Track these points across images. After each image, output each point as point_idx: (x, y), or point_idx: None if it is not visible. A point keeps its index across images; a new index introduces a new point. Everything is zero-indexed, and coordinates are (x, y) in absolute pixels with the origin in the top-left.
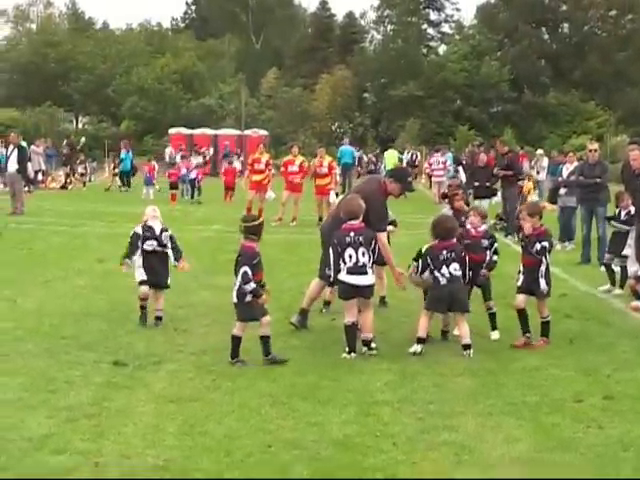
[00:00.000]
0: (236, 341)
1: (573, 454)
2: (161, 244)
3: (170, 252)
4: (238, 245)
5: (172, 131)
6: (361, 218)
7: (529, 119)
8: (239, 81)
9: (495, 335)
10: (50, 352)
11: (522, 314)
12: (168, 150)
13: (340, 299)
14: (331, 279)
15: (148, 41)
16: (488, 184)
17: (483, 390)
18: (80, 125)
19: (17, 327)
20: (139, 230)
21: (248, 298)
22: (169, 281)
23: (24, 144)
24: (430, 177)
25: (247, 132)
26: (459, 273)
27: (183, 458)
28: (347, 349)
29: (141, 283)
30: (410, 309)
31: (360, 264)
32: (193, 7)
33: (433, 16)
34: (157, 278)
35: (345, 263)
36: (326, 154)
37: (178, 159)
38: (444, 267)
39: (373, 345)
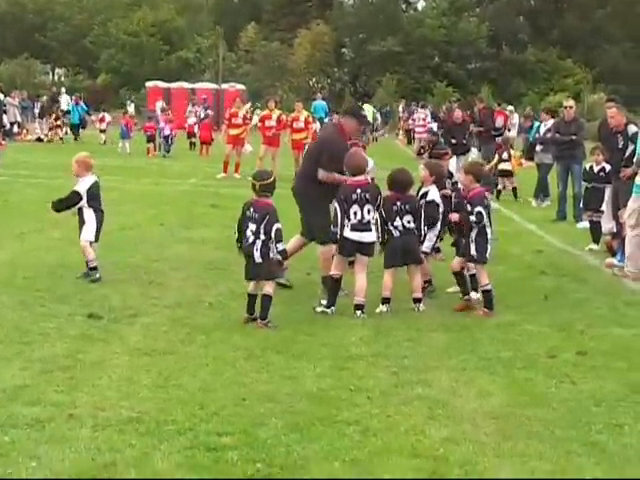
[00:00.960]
0: (267, 300)
1: (546, 409)
2: None
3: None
4: (226, 201)
5: (149, 84)
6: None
7: (507, 76)
8: (217, 35)
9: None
10: (24, 304)
11: (458, 276)
12: (159, 103)
13: (341, 255)
14: (337, 236)
15: None
16: (464, 141)
17: (457, 345)
18: (56, 77)
19: None
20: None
21: (271, 255)
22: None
23: (0, 97)
24: (410, 132)
25: (224, 86)
26: (412, 225)
27: (157, 410)
28: (326, 302)
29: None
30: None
31: (365, 221)
32: None
33: None
34: None
35: (349, 220)
36: (303, 109)
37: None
38: (397, 219)
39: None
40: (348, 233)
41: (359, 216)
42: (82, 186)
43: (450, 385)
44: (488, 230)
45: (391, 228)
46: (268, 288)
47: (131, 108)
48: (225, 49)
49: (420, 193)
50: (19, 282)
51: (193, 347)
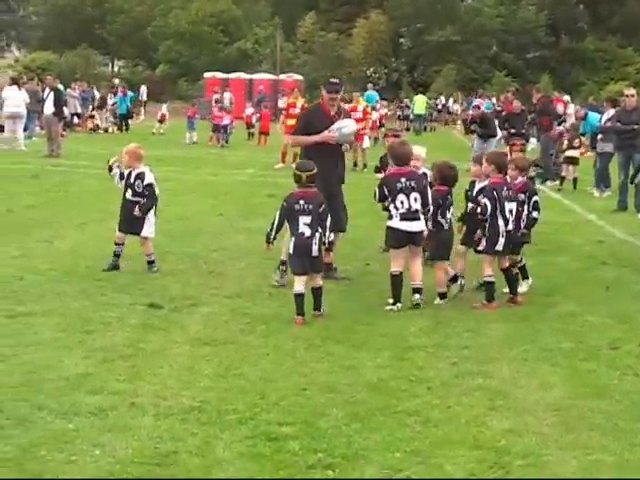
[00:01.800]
0: (320, 291)
1: (608, 401)
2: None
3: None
4: (283, 191)
5: (207, 75)
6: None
7: (566, 65)
8: (275, 25)
9: (524, 287)
10: (86, 293)
11: (506, 272)
12: (227, 95)
13: (391, 247)
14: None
15: None
16: (523, 131)
17: (518, 336)
18: (115, 68)
19: (53, 268)
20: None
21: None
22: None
23: (60, 87)
24: (467, 122)
25: (282, 76)
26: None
27: (218, 400)
28: (392, 300)
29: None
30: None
31: (413, 209)
32: None
33: None
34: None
35: (397, 209)
36: (360, 99)
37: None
38: (447, 212)
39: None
40: (397, 223)
41: (407, 205)
42: (150, 177)
43: (511, 376)
44: (500, 222)
45: (442, 220)
46: (319, 280)
47: (226, 98)
48: (282, 39)
49: (476, 189)
50: (81, 271)
51: (253, 337)
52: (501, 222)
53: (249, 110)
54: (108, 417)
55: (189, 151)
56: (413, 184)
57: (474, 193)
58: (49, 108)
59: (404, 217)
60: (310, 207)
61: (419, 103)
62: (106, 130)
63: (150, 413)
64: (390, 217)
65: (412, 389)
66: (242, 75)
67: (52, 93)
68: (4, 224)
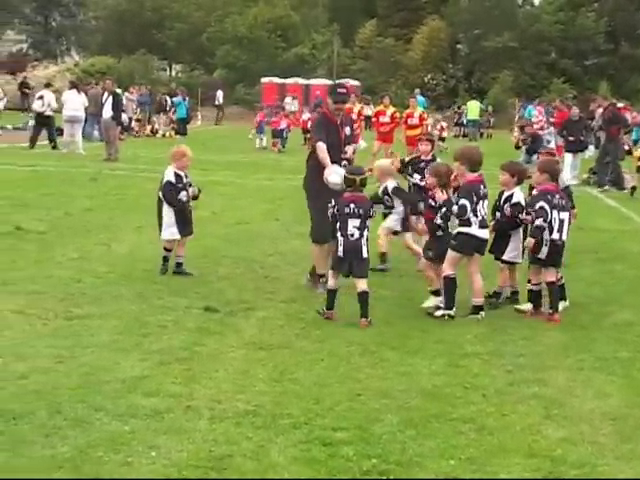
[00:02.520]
0: (366, 296)
1: None
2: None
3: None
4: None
5: (264, 80)
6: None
7: (625, 72)
8: (332, 31)
9: (562, 305)
10: (143, 297)
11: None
12: (289, 99)
13: (460, 253)
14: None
15: None
16: (582, 138)
17: (574, 345)
18: (173, 73)
19: (110, 271)
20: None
21: None
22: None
23: (119, 91)
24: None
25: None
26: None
27: (273, 404)
28: (445, 304)
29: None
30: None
31: (485, 218)
32: None
33: None
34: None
35: (477, 217)
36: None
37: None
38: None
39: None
40: (477, 231)
41: (483, 213)
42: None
43: (567, 385)
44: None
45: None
46: (364, 285)
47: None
48: (340, 45)
49: (504, 197)
50: (138, 274)
51: (308, 342)
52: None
53: (306, 115)
54: (164, 420)
55: (246, 155)
56: (486, 192)
57: (501, 202)
58: (107, 112)
59: (481, 225)
60: (360, 211)
61: (472, 109)
62: (164, 134)
63: (205, 416)
64: (468, 224)
65: (467, 396)
66: (299, 80)
67: (111, 97)
68: (63, 227)
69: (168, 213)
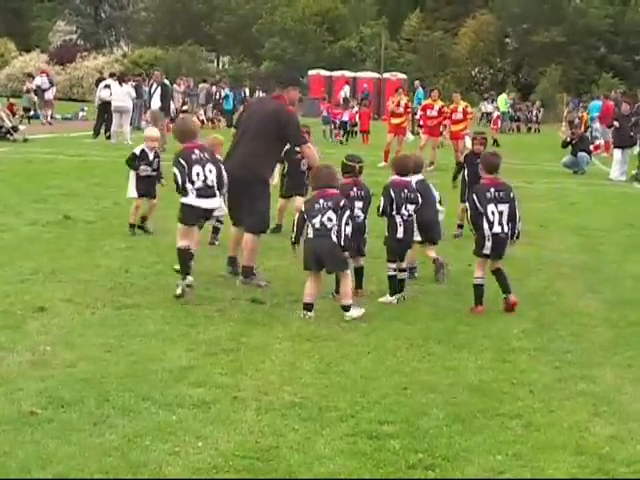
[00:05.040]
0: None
1: None
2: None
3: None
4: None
5: (311, 72)
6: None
7: None
8: (381, 24)
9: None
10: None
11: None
12: (343, 92)
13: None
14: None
15: None
16: (631, 134)
17: (622, 341)
18: (221, 65)
19: (158, 261)
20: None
21: None
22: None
23: (167, 82)
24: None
25: (386, 75)
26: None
27: (319, 396)
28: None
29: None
30: (545, 256)
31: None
32: None
33: None
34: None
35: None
36: (462, 99)
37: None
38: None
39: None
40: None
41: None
42: None
43: (615, 382)
44: (485, 225)
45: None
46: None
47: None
48: (387, 38)
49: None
50: None
51: (354, 334)
52: (486, 225)
53: (354, 109)
54: (211, 410)
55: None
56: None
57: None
58: (156, 103)
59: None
60: (362, 193)
61: (502, 101)
62: (213, 125)
63: (252, 407)
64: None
65: (514, 392)
66: (346, 73)
67: (159, 88)
68: (111, 217)
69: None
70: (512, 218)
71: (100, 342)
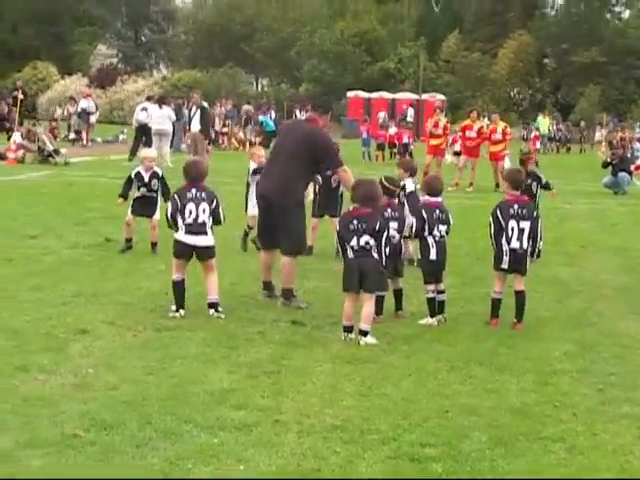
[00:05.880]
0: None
1: None
2: (150, 190)
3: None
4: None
5: (350, 94)
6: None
7: None
8: (419, 45)
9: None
10: (230, 309)
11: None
12: (382, 114)
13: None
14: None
15: (329, 5)
16: None
17: None
18: (259, 87)
19: (198, 284)
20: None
21: None
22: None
23: (206, 105)
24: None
25: (424, 96)
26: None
27: (361, 419)
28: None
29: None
30: (586, 277)
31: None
32: None
33: None
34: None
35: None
36: (500, 120)
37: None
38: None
39: None
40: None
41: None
42: None
43: None
44: (503, 240)
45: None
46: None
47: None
48: (426, 59)
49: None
50: (225, 287)
51: (395, 357)
52: (504, 240)
53: (392, 129)
54: (252, 433)
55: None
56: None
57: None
58: (195, 125)
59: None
60: (397, 214)
61: (543, 123)
62: (251, 144)
63: (293, 430)
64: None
65: (557, 414)
66: (384, 94)
67: (198, 111)
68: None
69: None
70: (533, 236)
71: (142, 364)
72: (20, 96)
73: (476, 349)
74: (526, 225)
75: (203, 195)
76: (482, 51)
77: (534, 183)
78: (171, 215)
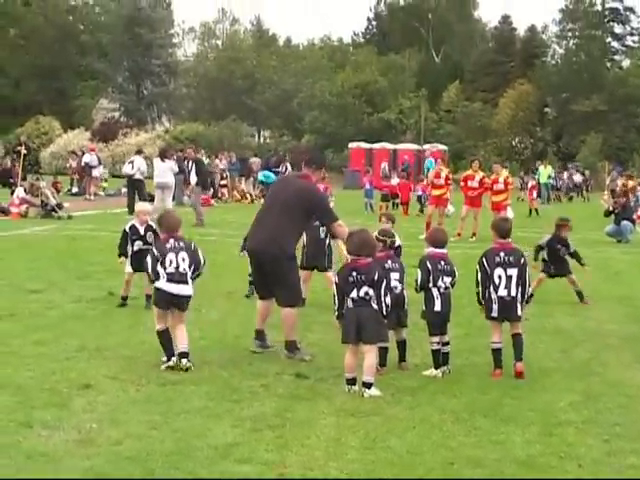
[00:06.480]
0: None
1: None
2: (146, 242)
3: None
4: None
5: (352, 145)
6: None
7: None
8: (420, 96)
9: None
10: (234, 362)
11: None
12: (384, 165)
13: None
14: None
15: (330, 56)
16: None
17: None
18: (262, 139)
19: (202, 337)
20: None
21: None
22: None
23: (201, 157)
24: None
25: (426, 146)
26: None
27: (366, 472)
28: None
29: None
30: (590, 327)
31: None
32: (374, 22)
33: (618, 29)
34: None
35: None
36: (502, 170)
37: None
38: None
39: None
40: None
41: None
42: None
43: None
44: (490, 288)
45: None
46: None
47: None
48: (427, 109)
49: None
50: (229, 341)
51: (399, 408)
52: (491, 288)
53: (394, 180)
54: None
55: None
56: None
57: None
58: (193, 179)
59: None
60: (397, 265)
61: (544, 173)
62: (252, 200)
63: None
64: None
65: (562, 466)
66: (386, 145)
67: (194, 164)
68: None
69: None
70: (522, 282)
71: (145, 419)
72: (23, 151)
73: (481, 400)
74: (514, 272)
75: (181, 244)
76: (483, 101)
77: (563, 249)
78: (152, 269)
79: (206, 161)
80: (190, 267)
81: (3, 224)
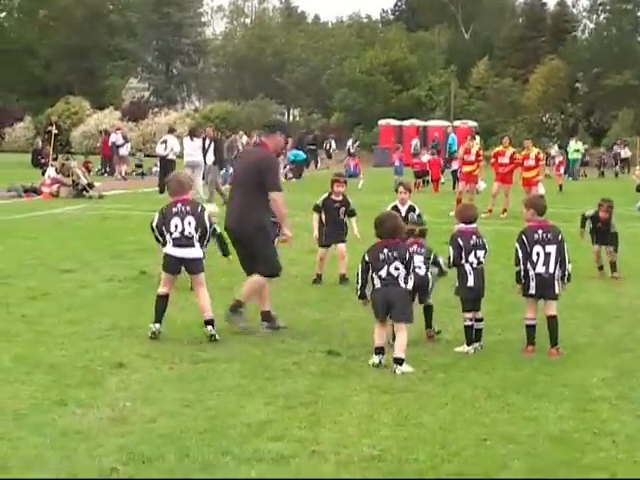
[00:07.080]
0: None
1: None
2: None
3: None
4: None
5: (381, 122)
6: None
7: None
8: (450, 73)
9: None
10: (266, 340)
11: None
12: (415, 141)
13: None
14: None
15: (359, 34)
16: None
17: None
18: (291, 117)
19: None
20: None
21: None
22: None
23: (220, 137)
24: None
25: (456, 123)
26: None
27: (398, 449)
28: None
29: None
30: (622, 303)
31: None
32: None
33: None
34: None
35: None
36: (533, 146)
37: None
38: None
39: None
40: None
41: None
42: None
43: None
44: (528, 265)
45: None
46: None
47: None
48: (456, 86)
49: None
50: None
51: (431, 385)
52: (529, 265)
53: (425, 157)
54: (290, 464)
55: (369, 198)
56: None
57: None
58: (210, 158)
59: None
60: (422, 250)
61: (574, 148)
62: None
63: (331, 461)
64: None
65: (596, 442)
66: (416, 122)
67: (212, 143)
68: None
69: None
70: (561, 259)
71: (178, 397)
72: (54, 131)
73: (513, 377)
74: (552, 249)
75: (188, 209)
76: (513, 77)
77: (604, 228)
78: (156, 225)
79: (244, 140)
80: (197, 231)
81: (35, 204)
